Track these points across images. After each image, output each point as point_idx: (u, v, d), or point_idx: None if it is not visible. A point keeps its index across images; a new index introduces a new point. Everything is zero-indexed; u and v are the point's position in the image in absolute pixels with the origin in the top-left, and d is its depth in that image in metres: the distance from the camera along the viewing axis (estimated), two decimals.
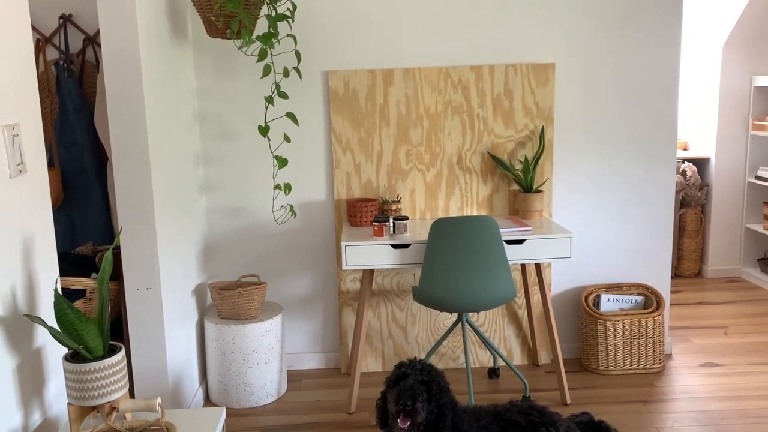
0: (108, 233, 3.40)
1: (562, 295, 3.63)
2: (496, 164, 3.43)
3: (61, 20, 3.34)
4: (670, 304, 4.42)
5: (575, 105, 3.46)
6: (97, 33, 3.34)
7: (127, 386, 1.56)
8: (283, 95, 3.05)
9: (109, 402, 1.50)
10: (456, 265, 2.87)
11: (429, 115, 3.40)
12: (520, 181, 3.38)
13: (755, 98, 4.82)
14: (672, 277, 5.04)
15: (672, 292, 4.72)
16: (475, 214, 3.50)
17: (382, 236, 3.02)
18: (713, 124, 4.91)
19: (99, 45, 3.18)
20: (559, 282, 3.62)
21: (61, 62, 3.33)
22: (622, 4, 3.37)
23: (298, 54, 3.06)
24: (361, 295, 3.16)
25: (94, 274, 2.91)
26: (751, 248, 5.01)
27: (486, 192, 3.48)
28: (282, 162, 3.10)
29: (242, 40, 2.83)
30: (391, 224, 3.10)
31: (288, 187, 3.14)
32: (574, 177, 3.52)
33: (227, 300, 3.14)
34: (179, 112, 3.06)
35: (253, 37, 2.93)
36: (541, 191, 3.38)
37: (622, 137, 3.50)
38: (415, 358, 2.18)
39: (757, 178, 4.82)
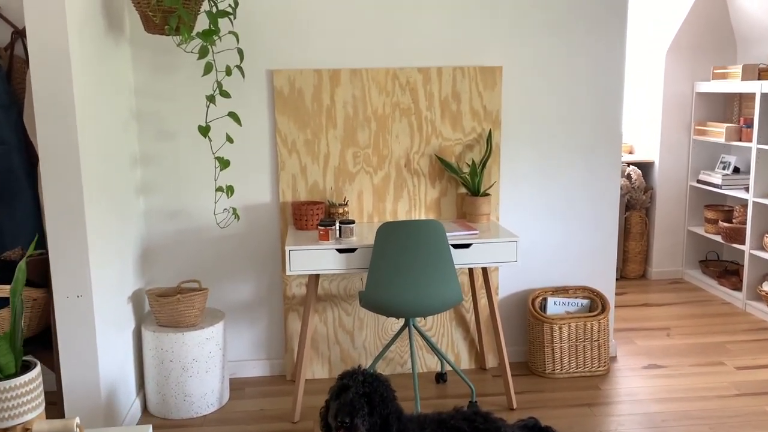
0: (40, 237, 3.23)
1: (510, 298, 3.62)
2: (444, 167, 3.40)
3: None
4: (615, 306, 4.48)
5: (522, 108, 3.46)
6: None
7: (43, 405, 1.45)
8: (225, 94, 2.95)
9: (21, 423, 1.39)
10: (402, 269, 2.83)
11: (377, 117, 3.34)
12: (467, 184, 3.36)
13: (697, 104, 4.94)
14: (617, 279, 5.12)
15: (617, 294, 4.78)
16: (423, 217, 3.46)
17: (328, 240, 2.95)
18: (657, 128, 5.01)
19: None
20: (507, 285, 3.61)
21: None
22: (569, 9, 3.38)
23: (240, 52, 2.97)
24: (307, 300, 3.08)
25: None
26: (693, 250, 5.12)
27: (434, 195, 3.45)
28: (224, 163, 3.00)
29: (181, 37, 2.72)
30: (337, 228, 3.03)
31: (230, 190, 3.04)
32: (521, 180, 3.52)
33: (165, 307, 3.02)
34: (115, 110, 2.92)
35: (193, 33, 2.83)
36: (488, 194, 3.36)
37: (569, 141, 3.51)
38: (359, 367, 2.12)
39: (699, 181, 4.93)
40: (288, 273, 2.90)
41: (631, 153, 5.39)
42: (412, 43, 3.32)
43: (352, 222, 3.00)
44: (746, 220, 4.48)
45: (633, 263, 5.17)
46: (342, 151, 3.35)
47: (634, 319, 4.31)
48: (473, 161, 3.32)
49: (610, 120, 3.52)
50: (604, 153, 3.55)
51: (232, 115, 2.97)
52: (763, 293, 4.25)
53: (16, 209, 3.22)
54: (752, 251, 4.35)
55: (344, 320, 3.47)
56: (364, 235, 3.11)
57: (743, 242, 4.48)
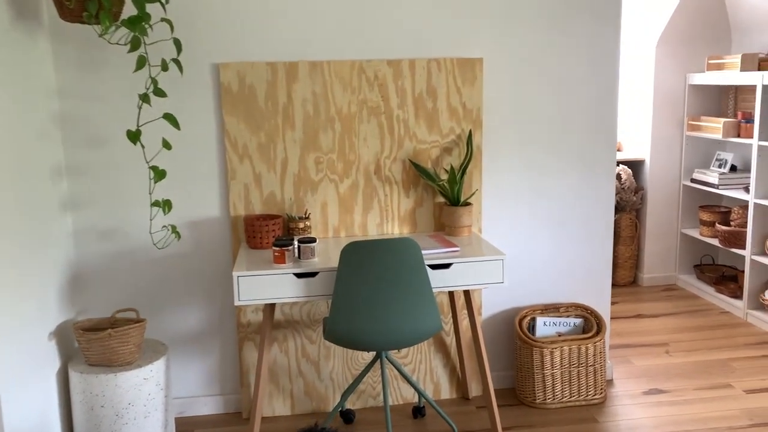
0: None
1: (495, 318, 3.23)
2: (419, 174, 2.99)
3: None
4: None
5: (506, 106, 3.06)
6: None
7: None
8: (160, 93, 2.51)
9: None
10: (371, 296, 2.41)
11: (341, 117, 2.92)
12: (446, 193, 2.96)
13: (690, 97, 4.59)
14: None
15: None
16: (396, 231, 3.05)
17: (284, 263, 2.53)
18: (648, 124, 4.65)
19: None
20: (491, 304, 3.22)
21: None
22: None
23: (177, 42, 2.52)
24: (262, 330, 2.66)
25: None
26: (687, 254, 4.78)
27: (408, 205, 3.04)
28: (159, 174, 2.55)
29: (102, 25, 2.27)
30: (296, 248, 2.61)
31: (167, 205, 2.60)
32: (505, 187, 3.12)
33: (95, 343, 2.58)
34: (30, 114, 2.46)
35: (119, 21, 2.39)
36: (469, 204, 2.96)
37: (558, 143, 3.12)
38: (315, 425, 1.71)
39: (693, 180, 4.59)
40: (236, 303, 2.47)
41: (620, 151, 5.03)
42: (380, 31, 2.90)
43: (313, 240, 2.58)
44: (746, 222, 4.14)
45: (623, 269, 4.82)
46: (302, 157, 2.92)
47: (629, 333, 3.95)
48: (452, 167, 2.92)
49: (604, 120, 3.14)
50: (597, 156, 3.17)
51: (168, 118, 2.52)
52: (766, 302, 3.92)
53: None
54: (754, 257, 4.01)
55: (308, 349, 3.04)
56: (329, 254, 2.69)
57: (743, 246, 4.14)
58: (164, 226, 2.85)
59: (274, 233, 2.80)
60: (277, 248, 2.51)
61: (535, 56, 3.03)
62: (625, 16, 4.80)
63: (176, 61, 2.53)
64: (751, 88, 4.32)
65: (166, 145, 2.61)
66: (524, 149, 3.10)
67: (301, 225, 2.87)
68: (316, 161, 2.94)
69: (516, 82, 3.04)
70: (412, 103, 2.96)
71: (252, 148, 2.89)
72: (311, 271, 2.50)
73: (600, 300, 3.29)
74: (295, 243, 2.63)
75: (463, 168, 2.94)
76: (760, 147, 3.93)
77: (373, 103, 2.93)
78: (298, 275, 2.49)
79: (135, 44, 2.39)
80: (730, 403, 3.07)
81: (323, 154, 2.94)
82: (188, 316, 2.99)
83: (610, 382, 3.31)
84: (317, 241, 2.59)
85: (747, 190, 4.19)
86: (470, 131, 2.98)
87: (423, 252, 2.62)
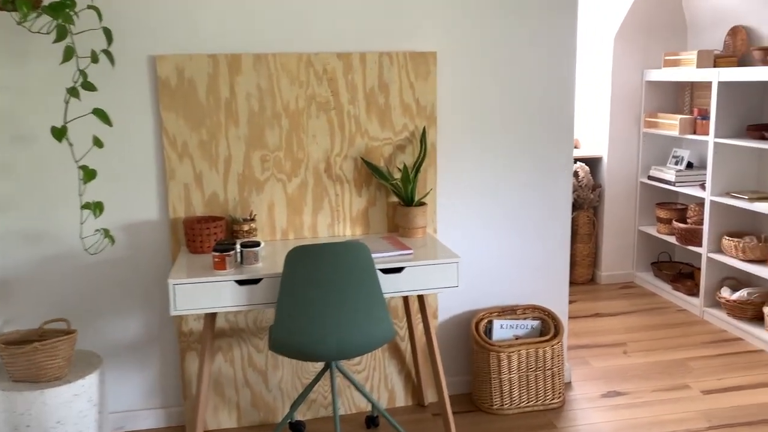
0: None
1: (451, 321, 3.12)
2: (371, 172, 2.86)
3: None
4: None
5: (461, 102, 2.94)
6: None
7: None
8: (89, 86, 2.32)
9: None
10: (318, 304, 2.27)
11: (288, 113, 2.76)
12: (399, 192, 2.83)
13: (647, 93, 4.55)
14: None
15: None
16: (348, 231, 2.91)
17: (225, 269, 2.36)
18: (605, 121, 4.60)
19: None
20: (447, 306, 3.11)
21: None
22: None
23: (107, 32, 2.34)
24: (203, 340, 2.49)
25: None
26: (644, 252, 4.76)
27: (361, 205, 2.90)
28: (89, 174, 2.36)
29: (20, 12, 2.07)
30: (238, 253, 2.45)
31: (98, 207, 2.41)
32: (460, 186, 3.01)
33: (20, 358, 2.37)
34: None
35: (39, 8, 2.19)
36: (423, 204, 2.84)
37: (515, 139, 3.03)
38: None
39: (650, 178, 4.56)
40: (172, 313, 2.30)
41: (577, 148, 4.98)
42: (329, 23, 2.75)
43: (257, 244, 2.42)
44: (702, 220, 4.13)
45: (581, 267, 4.78)
46: (247, 155, 2.76)
47: (587, 333, 3.90)
48: (404, 165, 2.79)
49: (561, 115, 3.05)
50: (555, 152, 3.08)
51: (98, 113, 2.33)
52: (723, 300, 3.91)
53: None
54: (710, 254, 3.99)
55: (255, 358, 2.89)
56: (276, 258, 2.54)
57: (699, 244, 4.12)
58: (97, 230, 2.65)
59: (216, 236, 2.63)
60: (217, 253, 2.35)
61: (491, 50, 2.92)
62: (584, 10, 4.74)
63: (107, 53, 2.34)
64: (707, 85, 4.30)
65: (98, 143, 2.41)
66: (480, 146, 3.00)
67: (246, 227, 2.71)
68: (262, 159, 2.78)
69: (471, 77, 2.93)
70: (364, 98, 2.82)
71: (192, 145, 2.71)
72: (254, 278, 2.34)
73: (558, 300, 3.21)
74: (237, 247, 2.47)
75: (417, 166, 2.82)
76: (716, 144, 3.91)
77: (323, 99, 2.78)
78: (240, 282, 2.33)
79: (61, 34, 2.21)
80: (687, 405, 3.02)
81: (269, 152, 2.78)
82: (125, 326, 2.80)
83: (568, 385, 3.24)
84: (262, 244, 2.44)
85: (703, 187, 4.18)
86: (424, 128, 2.85)
87: (374, 255, 2.49)
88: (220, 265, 2.36)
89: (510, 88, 2.97)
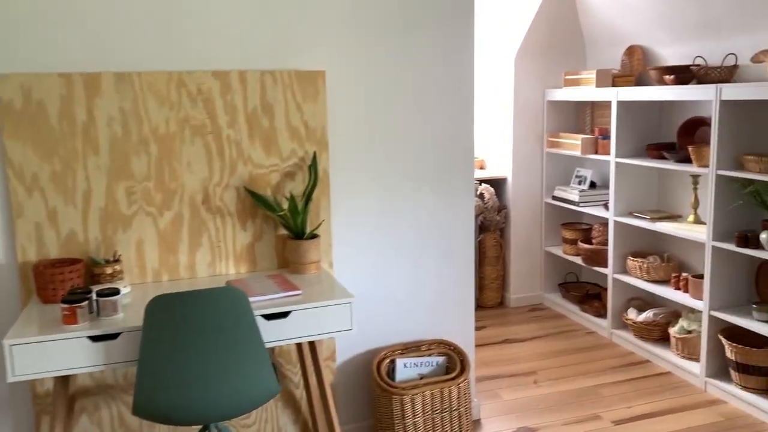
0: None
1: (351, 362, 2.87)
2: (256, 203, 2.57)
3: None
4: (475, 346, 3.89)
5: (354, 124, 2.72)
6: None
7: None
8: None
9: None
10: (187, 360, 1.96)
11: (158, 138, 2.45)
12: (288, 224, 2.56)
13: (549, 113, 4.50)
14: (474, 309, 4.56)
15: (474, 329, 4.22)
16: (231, 269, 2.61)
17: (76, 323, 2.01)
18: (509, 141, 4.51)
19: None
20: (346, 346, 2.85)
21: None
22: (408, 3, 2.70)
23: None
24: (54, 405, 2.12)
25: None
26: (551, 273, 4.69)
27: (245, 240, 2.61)
28: None
29: None
30: (94, 302, 2.10)
31: None
32: (357, 215, 2.78)
33: None
34: None
35: None
36: (316, 236, 2.58)
37: (413, 162, 2.83)
38: None
39: (554, 198, 4.50)
40: (10, 379, 1.92)
41: (482, 168, 4.88)
42: (202, 38, 2.47)
43: (116, 292, 2.08)
44: (607, 240, 4.08)
45: (490, 290, 4.65)
46: (110, 187, 2.42)
47: (496, 361, 3.74)
48: (291, 194, 2.53)
49: (461, 136, 2.88)
50: (455, 174, 2.91)
51: None
52: (629, 321, 3.85)
53: None
54: (615, 275, 3.94)
55: (127, 419, 2.52)
56: (144, 305, 2.20)
57: (605, 265, 4.07)
58: None
59: (72, 282, 2.27)
60: (66, 305, 1.99)
61: (385, 69, 2.72)
62: (485, 29, 4.66)
63: None
64: (607, 104, 4.29)
65: None
66: (376, 171, 2.78)
67: (109, 270, 2.36)
68: (128, 191, 2.44)
69: (364, 97, 2.71)
70: (245, 121, 2.54)
71: (44, 178, 2.34)
72: (111, 332, 2.00)
73: (464, 332, 3.03)
74: (93, 296, 2.13)
75: (308, 195, 2.56)
76: (617, 164, 3.87)
77: (198, 122, 2.48)
78: (94, 338, 1.99)
79: None
80: None
81: (136, 183, 2.44)
82: None
83: (477, 423, 3.05)
84: (123, 291, 2.11)
85: (606, 207, 4.14)
86: (315, 153, 2.60)
87: (255, 299, 2.21)
88: (70, 319, 2.00)
89: (406, 110, 2.78)
